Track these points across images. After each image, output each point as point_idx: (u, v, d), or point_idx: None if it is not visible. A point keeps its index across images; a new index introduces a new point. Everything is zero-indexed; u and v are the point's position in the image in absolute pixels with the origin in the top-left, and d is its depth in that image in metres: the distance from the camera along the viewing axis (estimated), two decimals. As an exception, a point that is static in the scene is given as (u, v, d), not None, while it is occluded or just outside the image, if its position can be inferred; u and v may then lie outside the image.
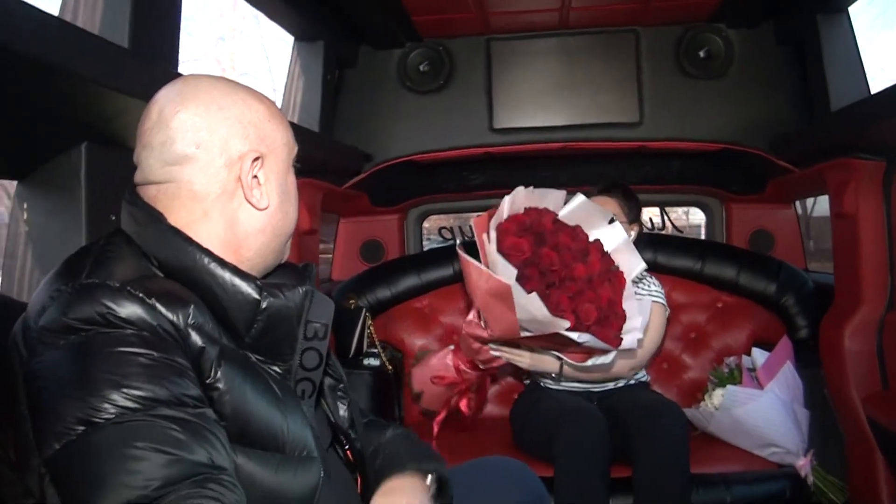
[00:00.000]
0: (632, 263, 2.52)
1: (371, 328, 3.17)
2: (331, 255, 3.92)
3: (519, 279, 2.31)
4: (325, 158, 2.90)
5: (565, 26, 3.27)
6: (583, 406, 2.61)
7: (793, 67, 3.16)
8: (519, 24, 3.25)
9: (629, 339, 2.38)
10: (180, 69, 1.89)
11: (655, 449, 2.42)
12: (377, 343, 3.16)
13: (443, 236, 4.24)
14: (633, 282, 2.71)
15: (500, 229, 2.42)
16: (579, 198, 2.55)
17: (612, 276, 2.46)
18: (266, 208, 1.28)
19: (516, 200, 2.48)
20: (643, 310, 2.46)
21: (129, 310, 1.07)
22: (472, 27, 3.25)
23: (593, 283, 2.41)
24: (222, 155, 1.24)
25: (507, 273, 2.31)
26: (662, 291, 2.87)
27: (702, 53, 3.24)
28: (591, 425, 2.47)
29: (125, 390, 1.01)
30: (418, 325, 3.44)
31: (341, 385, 1.51)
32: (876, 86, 2.79)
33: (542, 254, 2.40)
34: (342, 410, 1.49)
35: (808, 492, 2.60)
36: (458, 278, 3.42)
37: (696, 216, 6.05)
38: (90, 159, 1.67)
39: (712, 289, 3.34)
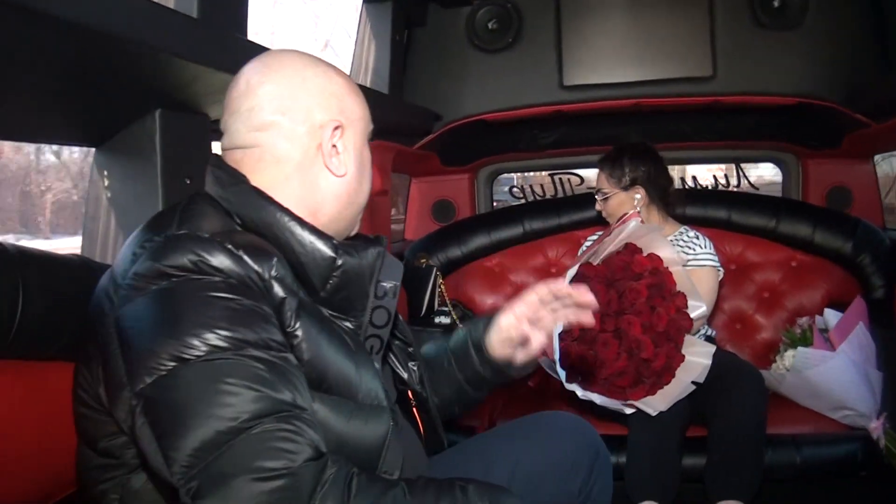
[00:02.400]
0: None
1: (442, 287, 3.21)
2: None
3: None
4: (396, 119, 2.92)
5: (636, -21, 3.21)
6: None
7: (869, 16, 3.04)
8: (589, -22, 3.21)
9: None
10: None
11: (734, 411, 2.41)
12: (448, 301, 3.20)
13: (513, 195, 4.24)
14: (679, 244, 2.76)
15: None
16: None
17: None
18: (343, 175, 1.36)
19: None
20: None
21: (219, 259, 1.14)
22: None
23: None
24: (305, 122, 1.31)
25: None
26: (712, 252, 2.81)
27: (776, 3, 3.14)
28: None
29: (217, 331, 1.08)
30: (488, 284, 3.46)
31: (410, 348, 1.59)
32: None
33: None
34: (412, 370, 1.57)
35: (880, 455, 2.55)
36: (528, 237, 3.45)
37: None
38: (164, 125, 1.74)
39: (787, 247, 3.26)
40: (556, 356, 2.39)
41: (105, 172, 1.82)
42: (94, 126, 1.76)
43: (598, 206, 2.91)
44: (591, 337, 2.44)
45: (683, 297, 2.52)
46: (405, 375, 1.55)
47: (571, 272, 2.49)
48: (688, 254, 2.76)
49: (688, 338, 2.50)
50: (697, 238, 2.82)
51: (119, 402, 1.14)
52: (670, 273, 2.56)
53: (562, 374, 2.42)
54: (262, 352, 1.10)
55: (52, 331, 1.34)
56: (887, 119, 2.81)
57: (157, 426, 1.07)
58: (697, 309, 2.53)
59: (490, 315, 1.65)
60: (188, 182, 1.82)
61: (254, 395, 1.06)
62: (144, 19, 1.41)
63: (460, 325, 1.74)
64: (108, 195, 1.81)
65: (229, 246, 1.16)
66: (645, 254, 2.58)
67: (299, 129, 1.31)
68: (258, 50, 1.80)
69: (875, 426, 2.54)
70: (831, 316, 2.79)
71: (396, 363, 1.56)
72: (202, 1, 1.73)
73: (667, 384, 2.44)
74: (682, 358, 2.46)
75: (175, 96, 1.74)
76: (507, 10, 3.33)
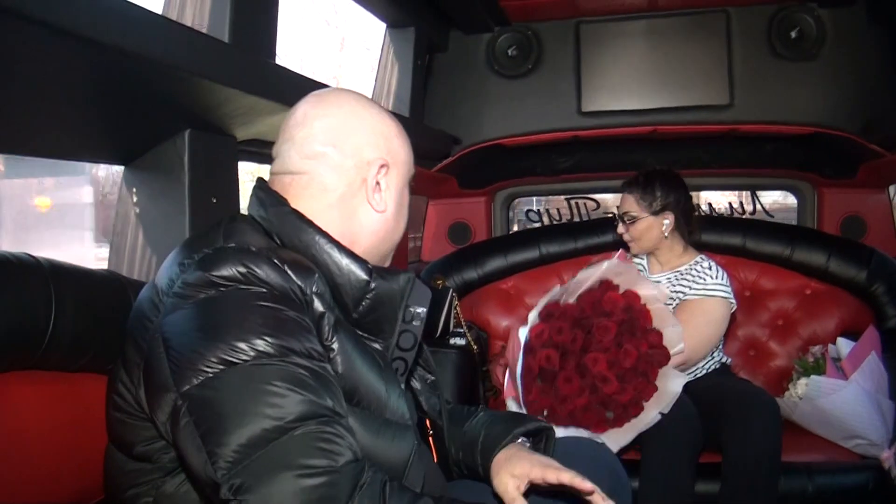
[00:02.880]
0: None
1: (458, 308, 3.22)
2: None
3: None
4: (416, 142, 2.94)
5: (655, 8, 3.26)
6: None
7: (885, 48, 3.08)
8: (608, 6, 3.27)
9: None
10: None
11: (749, 439, 2.41)
12: (463, 323, 3.22)
13: (529, 218, 4.27)
14: (690, 274, 2.80)
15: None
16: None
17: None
18: (383, 212, 1.42)
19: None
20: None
21: (265, 271, 1.20)
22: (561, 10, 3.28)
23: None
24: (353, 157, 1.38)
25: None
26: (724, 283, 2.79)
27: (793, 34, 3.19)
28: (680, 413, 2.48)
29: (264, 337, 1.13)
30: (504, 306, 3.48)
31: (432, 379, 1.64)
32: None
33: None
34: (433, 400, 1.62)
35: (892, 484, 2.55)
36: (544, 260, 3.47)
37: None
38: (193, 145, 1.80)
39: (801, 275, 3.27)
40: (519, 392, 2.44)
41: (134, 190, 1.86)
42: (125, 145, 1.81)
43: (620, 230, 2.90)
44: (552, 375, 2.48)
45: (658, 334, 2.54)
46: (425, 405, 1.60)
47: (534, 314, 2.52)
48: (697, 283, 2.78)
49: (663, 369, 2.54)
50: (710, 269, 2.81)
51: (161, 405, 1.17)
52: (647, 311, 2.59)
53: (524, 409, 2.49)
54: (306, 360, 1.15)
55: (82, 343, 1.39)
56: None
57: (201, 424, 1.11)
58: (674, 347, 2.56)
59: (512, 425, 1.65)
60: (214, 201, 1.87)
61: (299, 398, 1.10)
62: (179, 43, 1.46)
63: (481, 409, 1.75)
64: (137, 211, 1.86)
65: (275, 260, 1.21)
66: (622, 290, 2.60)
67: (347, 162, 1.38)
68: (287, 74, 1.86)
69: (887, 455, 2.55)
70: (844, 345, 2.80)
71: (418, 390, 1.60)
72: (234, 26, 1.79)
73: (635, 416, 2.47)
74: (655, 389, 2.49)
75: (204, 118, 1.79)
76: (527, 37, 3.39)
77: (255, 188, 1.41)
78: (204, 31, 1.79)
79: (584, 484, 1.43)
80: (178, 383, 1.13)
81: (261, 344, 1.12)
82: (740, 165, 3.62)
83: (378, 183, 1.40)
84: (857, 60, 3.13)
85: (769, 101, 3.22)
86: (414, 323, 1.42)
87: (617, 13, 3.31)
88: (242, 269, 1.18)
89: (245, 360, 1.11)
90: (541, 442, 1.68)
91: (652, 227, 2.84)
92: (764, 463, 2.39)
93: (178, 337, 1.17)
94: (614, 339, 2.50)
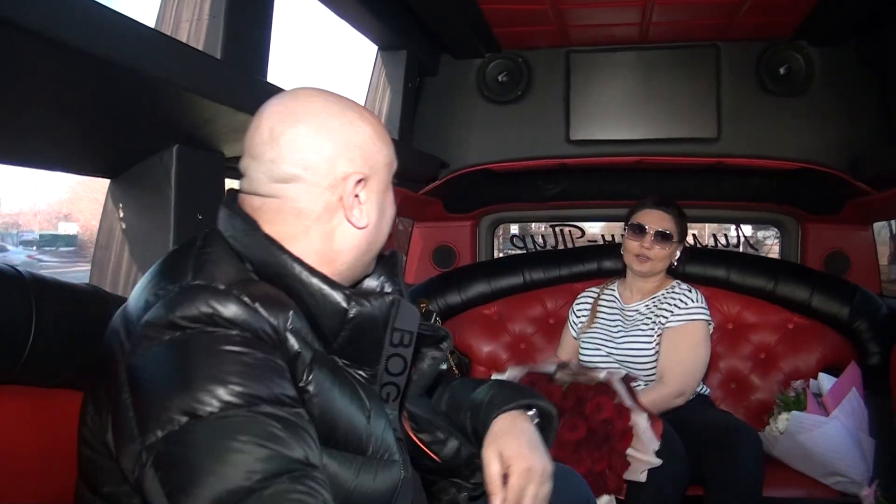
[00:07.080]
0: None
1: (441, 332, 3.20)
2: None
3: None
4: (404, 165, 2.96)
5: (645, 40, 3.28)
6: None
7: (874, 88, 3.11)
8: (599, 37, 3.28)
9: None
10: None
11: (732, 473, 2.41)
12: (446, 347, 3.19)
13: (514, 244, 4.27)
14: (665, 303, 2.81)
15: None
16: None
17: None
18: (365, 227, 1.32)
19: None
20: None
21: (233, 311, 1.13)
22: (552, 39, 3.29)
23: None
24: (328, 176, 1.28)
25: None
26: (703, 305, 2.83)
27: (782, 70, 3.22)
28: (668, 447, 2.46)
29: (230, 386, 1.06)
30: (486, 332, 3.47)
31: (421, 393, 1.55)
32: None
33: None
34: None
35: (871, 522, 2.56)
36: (528, 287, 3.46)
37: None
38: (180, 161, 1.77)
39: (784, 309, 3.28)
40: None
41: (120, 204, 1.84)
42: (112, 158, 1.79)
43: (645, 248, 2.85)
44: None
45: (625, 464, 2.45)
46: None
47: (514, 373, 2.48)
48: (679, 308, 2.79)
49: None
50: (690, 291, 2.84)
51: (127, 454, 1.11)
52: (629, 434, 2.48)
53: None
54: (276, 408, 1.08)
55: (62, 359, 1.36)
56: (889, 188, 2.85)
57: (167, 482, 1.05)
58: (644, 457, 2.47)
59: (520, 394, 1.61)
60: (200, 217, 1.85)
61: (266, 454, 1.03)
62: (170, 58, 1.45)
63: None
64: (123, 227, 1.84)
65: (245, 298, 1.15)
66: (616, 401, 2.54)
67: (322, 183, 1.28)
68: (277, 92, 1.85)
69: (867, 493, 2.55)
70: (825, 380, 2.80)
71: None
72: (226, 43, 1.78)
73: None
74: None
75: (193, 133, 1.78)
76: (517, 63, 3.40)
77: (224, 206, 1.33)
78: (199, 47, 1.78)
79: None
80: (144, 435, 1.07)
81: (226, 394, 1.06)
82: (725, 198, 3.64)
83: (357, 196, 1.30)
84: (845, 98, 3.16)
85: (756, 136, 3.24)
86: (403, 345, 1.33)
87: (607, 44, 3.32)
88: (207, 311, 1.12)
89: (211, 413, 1.05)
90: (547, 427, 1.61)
91: (674, 252, 2.87)
92: (746, 498, 2.38)
93: (142, 383, 1.11)
94: (576, 444, 2.46)
